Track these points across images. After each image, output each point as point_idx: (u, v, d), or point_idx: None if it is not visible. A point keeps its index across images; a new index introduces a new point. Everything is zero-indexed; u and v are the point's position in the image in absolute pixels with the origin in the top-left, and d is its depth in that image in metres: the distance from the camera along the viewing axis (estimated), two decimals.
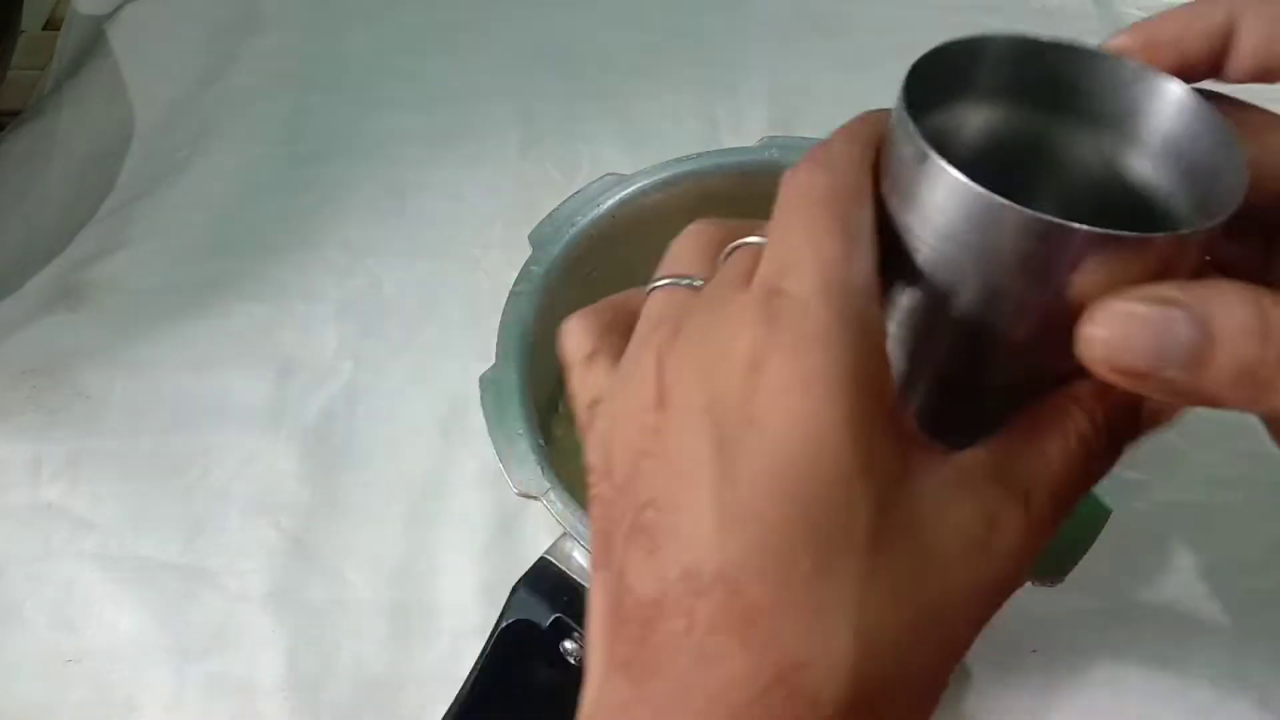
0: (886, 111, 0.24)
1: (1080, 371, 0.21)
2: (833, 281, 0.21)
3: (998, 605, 0.23)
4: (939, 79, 0.25)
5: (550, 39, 0.78)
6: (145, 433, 0.53)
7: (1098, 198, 0.25)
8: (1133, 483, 0.40)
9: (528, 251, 0.45)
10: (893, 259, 0.23)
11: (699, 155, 0.49)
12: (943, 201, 0.22)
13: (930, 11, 0.80)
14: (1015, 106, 0.26)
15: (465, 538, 0.49)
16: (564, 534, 0.38)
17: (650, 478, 0.22)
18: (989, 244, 0.21)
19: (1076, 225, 0.20)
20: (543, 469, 0.39)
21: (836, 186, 0.23)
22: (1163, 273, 0.21)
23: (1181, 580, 0.48)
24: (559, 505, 0.38)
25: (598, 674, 0.23)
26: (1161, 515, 0.50)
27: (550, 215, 0.47)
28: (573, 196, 0.47)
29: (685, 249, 0.27)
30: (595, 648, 0.23)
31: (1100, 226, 0.20)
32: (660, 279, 0.26)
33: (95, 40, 0.73)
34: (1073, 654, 0.45)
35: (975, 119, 0.26)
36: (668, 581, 0.21)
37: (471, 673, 0.36)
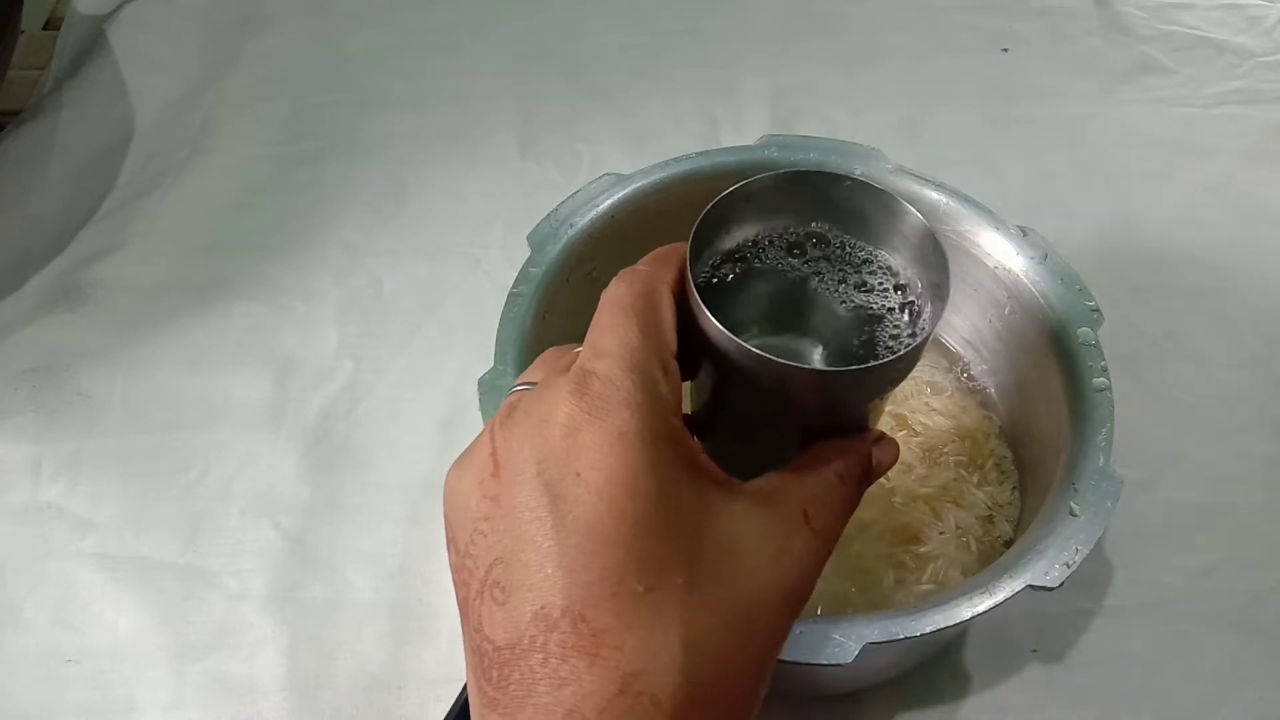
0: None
1: (839, 430, 0.31)
2: (633, 361, 0.27)
3: (801, 604, 0.28)
4: (735, 212, 0.33)
5: (550, 39, 0.78)
6: (145, 433, 0.53)
7: (862, 291, 0.33)
8: (1135, 483, 0.40)
9: (528, 251, 0.45)
10: (695, 350, 0.31)
11: (699, 155, 0.49)
12: (706, 328, 0.30)
13: (929, 12, 0.80)
14: (789, 219, 0.34)
15: None
16: None
17: (494, 538, 0.26)
18: (740, 365, 0.29)
19: (787, 363, 0.28)
20: None
21: (638, 295, 0.29)
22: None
23: (1182, 580, 0.48)
24: None
25: (476, 717, 0.26)
26: (1162, 515, 0.50)
27: (549, 215, 0.47)
28: (572, 196, 0.47)
29: (538, 365, 0.32)
30: (472, 695, 0.26)
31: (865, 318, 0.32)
32: (514, 387, 0.31)
33: (95, 40, 0.73)
34: (1073, 654, 0.45)
35: (755, 234, 0.34)
36: (522, 624, 0.25)
37: None
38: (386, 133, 0.70)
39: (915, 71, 0.75)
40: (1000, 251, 0.47)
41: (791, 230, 0.34)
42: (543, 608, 0.24)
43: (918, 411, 0.49)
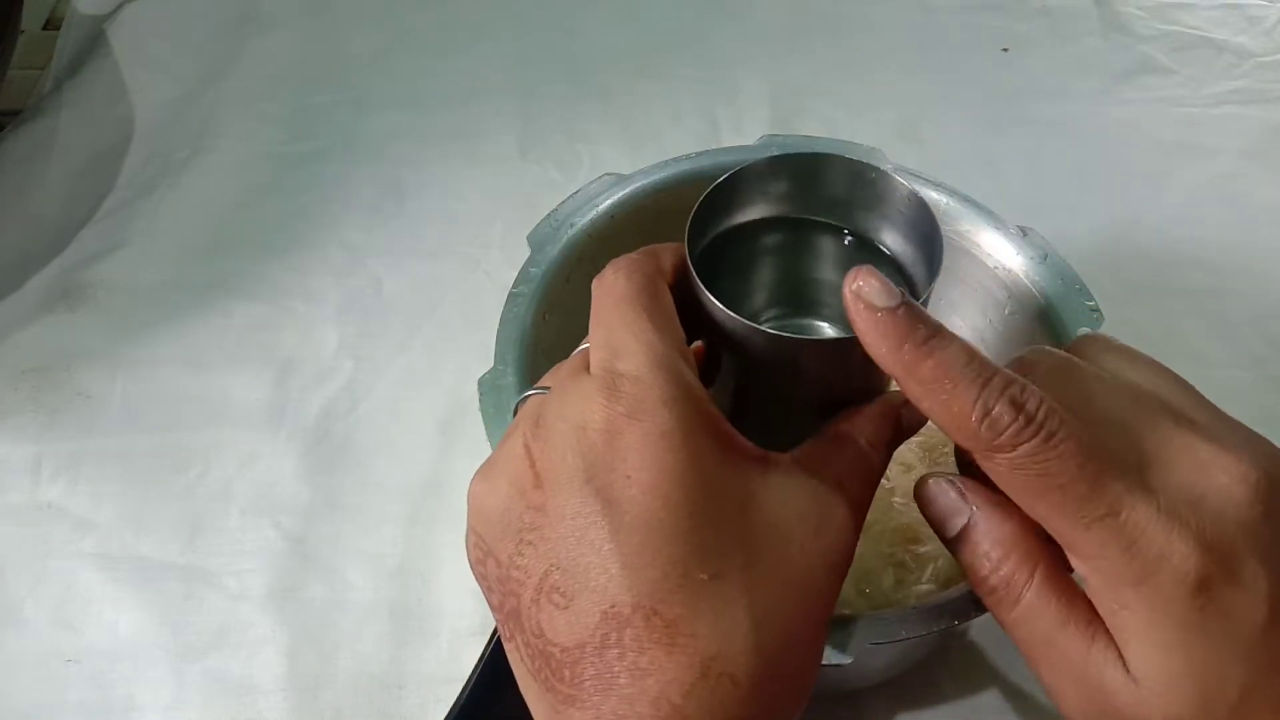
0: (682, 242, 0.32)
1: (861, 397, 0.31)
2: (658, 356, 0.28)
3: (846, 570, 0.29)
4: (728, 199, 0.34)
5: (550, 39, 0.78)
6: (145, 433, 0.53)
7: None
8: None
9: (528, 252, 0.45)
10: (704, 336, 0.32)
11: (699, 155, 0.49)
12: (714, 314, 0.30)
13: (929, 12, 0.80)
14: (790, 204, 0.35)
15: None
16: None
17: (545, 547, 0.27)
18: (753, 346, 0.30)
19: (799, 336, 0.30)
20: None
21: (640, 288, 0.29)
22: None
23: None
24: None
25: (547, 714, 0.27)
26: None
27: (549, 215, 0.47)
28: (572, 196, 0.47)
29: (551, 372, 0.32)
30: (537, 701, 0.27)
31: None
32: (525, 393, 0.31)
33: (95, 40, 0.73)
34: None
35: (759, 213, 0.35)
36: (590, 625, 0.25)
37: (472, 673, 0.36)
38: (386, 133, 0.70)
39: (915, 71, 0.75)
40: (1000, 251, 0.47)
41: (788, 213, 0.34)
42: (613, 606, 0.25)
43: None
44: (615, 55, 0.76)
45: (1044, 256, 0.46)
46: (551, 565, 0.26)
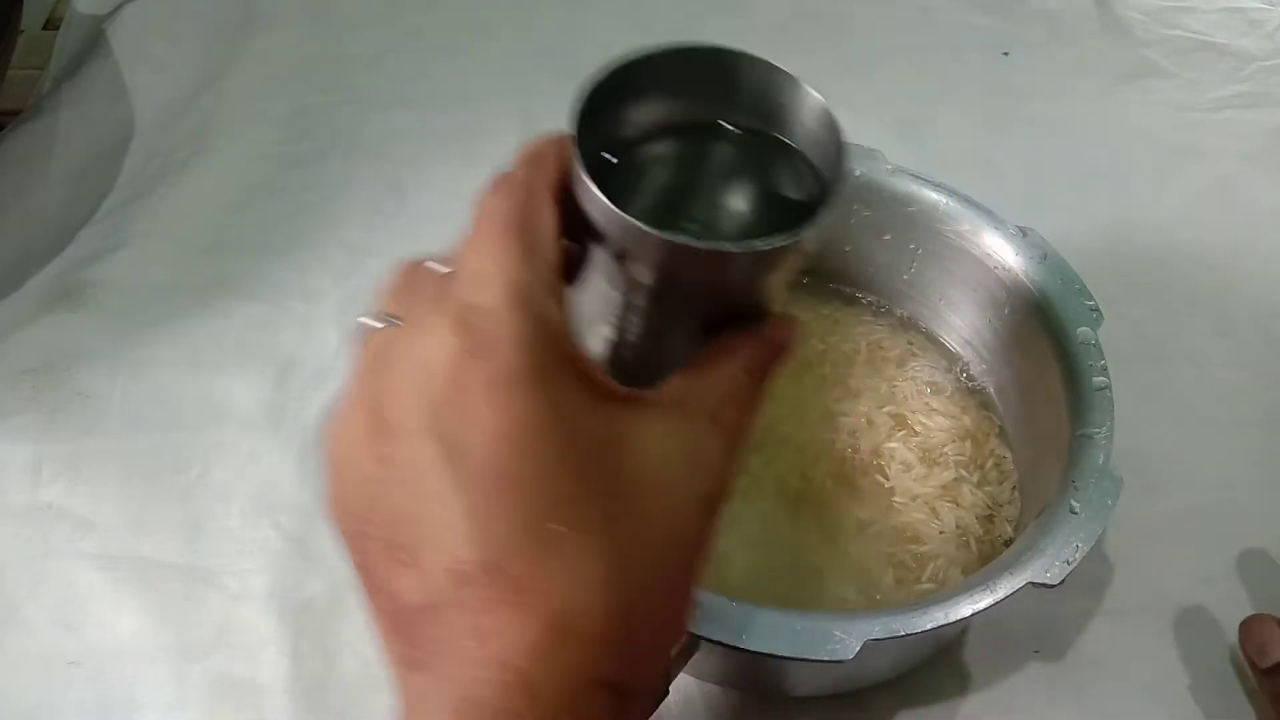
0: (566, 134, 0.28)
1: (733, 320, 0.29)
2: (518, 291, 0.25)
3: (720, 506, 0.27)
4: (616, 93, 0.30)
5: (550, 39, 0.78)
6: (145, 433, 0.53)
7: (761, 174, 0.31)
8: (1135, 485, 0.40)
9: None
10: (588, 252, 0.29)
11: None
12: (595, 213, 0.27)
13: (930, 13, 0.80)
14: (686, 103, 0.32)
15: None
16: None
17: (391, 500, 0.25)
18: (632, 248, 0.27)
19: (677, 239, 0.26)
20: None
21: (516, 206, 0.27)
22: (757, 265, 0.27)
23: (1183, 582, 0.48)
24: None
25: (398, 679, 0.25)
26: (1164, 517, 0.50)
27: None
28: None
29: (388, 291, 0.29)
30: (389, 658, 0.25)
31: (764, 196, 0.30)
32: (363, 320, 0.29)
33: (95, 40, 0.73)
34: (1074, 654, 0.45)
35: (650, 118, 0.31)
36: (435, 583, 0.24)
37: None
38: (386, 133, 0.70)
39: (916, 72, 0.75)
40: (1000, 251, 0.47)
41: (685, 115, 0.32)
42: (457, 564, 0.23)
43: (918, 411, 0.49)
44: (615, 55, 0.76)
45: (1043, 256, 0.46)
46: (398, 520, 0.25)
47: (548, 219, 0.27)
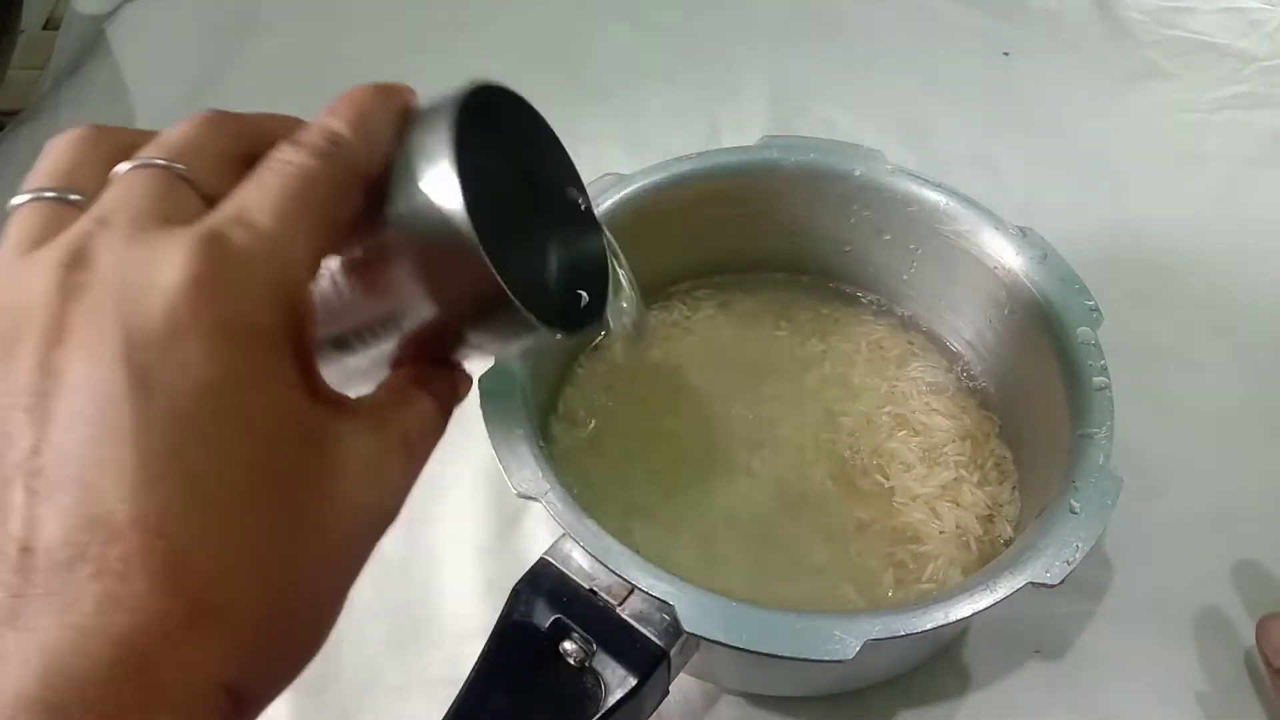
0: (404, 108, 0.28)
1: (430, 354, 0.29)
2: (289, 249, 0.23)
3: (389, 525, 0.26)
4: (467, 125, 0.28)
5: (550, 39, 0.78)
6: None
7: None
8: (1136, 487, 0.40)
9: None
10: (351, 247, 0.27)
11: (699, 155, 0.49)
12: (440, 226, 0.25)
13: (930, 14, 0.80)
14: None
15: (465, 538, 0.49)
16: (564, 534, 0.37)
17: (45, 418, 0.21)
18: (450, 270, 0.26)
19: (510, 287, 0.25)
20: (542, 470, 0.39)
21: (329, 181, 0.24)
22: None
23: (1183, 581, 0.48)
24: (559, 506, 0.38)
25: None
26: (1164, 519, 0.49)
27: None
28: None
29: (65, 158, 0.26)
30: None
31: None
32: (39, 190, 0.25)
33: (95, 40, 0.73)
34: (1074, 654, 0.45)
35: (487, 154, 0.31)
36: (71, 528, 0.20)
37: (471, 673, 0.36)
38: None
39: (916, 73, 0.75)
40: (1000, 252, 0.47)
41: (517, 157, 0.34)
42: (106, 512, 0.20)
43: (918, 411, 0.49)
44: (615, 55, 0.76)
45: (1044, 256, 0.46)
46: (45, 442, 0.21)
47: (353, 207, 0.25)
